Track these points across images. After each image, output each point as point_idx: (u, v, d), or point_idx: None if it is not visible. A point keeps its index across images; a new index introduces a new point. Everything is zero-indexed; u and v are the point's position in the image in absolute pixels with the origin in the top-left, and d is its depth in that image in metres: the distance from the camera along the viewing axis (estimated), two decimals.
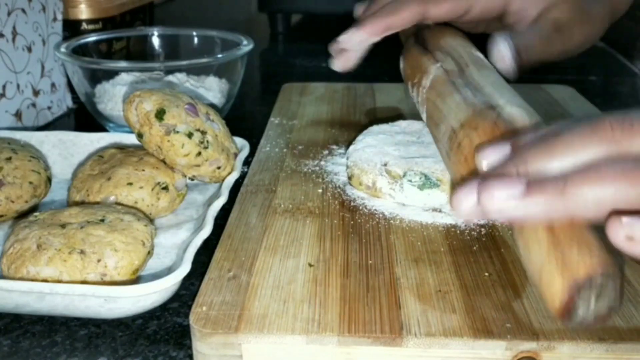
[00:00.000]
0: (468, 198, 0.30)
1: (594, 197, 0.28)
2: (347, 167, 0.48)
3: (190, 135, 0.45)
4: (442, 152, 0.40)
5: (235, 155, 0.50)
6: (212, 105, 0.62)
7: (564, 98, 0.67)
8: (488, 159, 0.32)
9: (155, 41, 0.74)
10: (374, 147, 0.48)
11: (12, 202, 0.44)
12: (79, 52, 0.65)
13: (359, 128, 0.59)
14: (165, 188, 0.45)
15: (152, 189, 0.45)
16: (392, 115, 0.62)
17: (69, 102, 0.70)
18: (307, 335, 0.31)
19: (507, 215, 0.29)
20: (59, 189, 0.50)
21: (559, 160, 0.29)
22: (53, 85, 0.67)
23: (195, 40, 0.73)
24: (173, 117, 0.45)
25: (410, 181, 0.44)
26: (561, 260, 0.28)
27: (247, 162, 0.51)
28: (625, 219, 0.27)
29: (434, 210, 0.43)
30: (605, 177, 0.28)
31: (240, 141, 0.53)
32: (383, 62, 0.69)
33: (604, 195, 0.28)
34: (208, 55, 0.62)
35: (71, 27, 0.71)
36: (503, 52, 0.48)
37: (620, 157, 0.29)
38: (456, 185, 0.31)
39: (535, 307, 0.33)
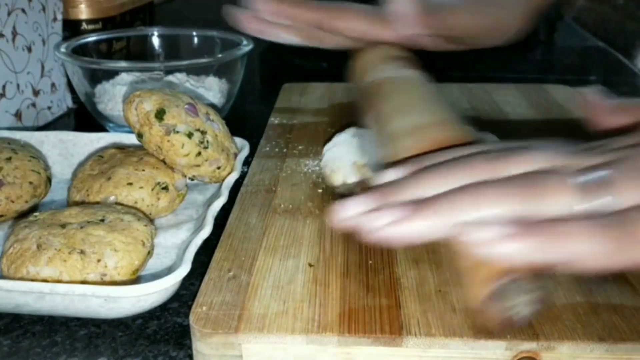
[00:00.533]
0: (345, 214, 0.32)
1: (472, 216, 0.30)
2: (320, 169, 0.48)
3: (190, 135, 0.45)
4: None
5: (235, 155, 0.50)
6: (212, 105, 0.62)
7: (564, 98, 0.67)
8: (382, 179, 0.34)
9: (155, 41, 0.74)
10: (344, 146, 0.48)
11: (12, 202, 0.44)
12: (79, 52, 0.65)
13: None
14: (165, 188, 0.45)
15: (152, 189, 0.45)
16: None
17: (69, 102, 0.70)
18: (307, 335, 0.31)
19: (387, 240, 0.31)
20: (59, 189, 0.50)
21: (434, 189, 0.31)
22: (53, 85, 0.67)
23: (195, 40, 0.73)
24: (173, 117, 0.45)
25: None
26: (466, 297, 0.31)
27: (247, 162, 0.51)
28: (471, 227, 0.29)
29: None
30: (473, 201, 0.30)
31: (240, 141, 0.53)
32: None
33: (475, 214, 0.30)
34: (208, 55, 0.62)
35: (71, 27, 0.71)
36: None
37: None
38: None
39: None
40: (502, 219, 0.29)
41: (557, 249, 0.28)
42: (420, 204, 0.31)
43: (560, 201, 0.29)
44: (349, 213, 0.32)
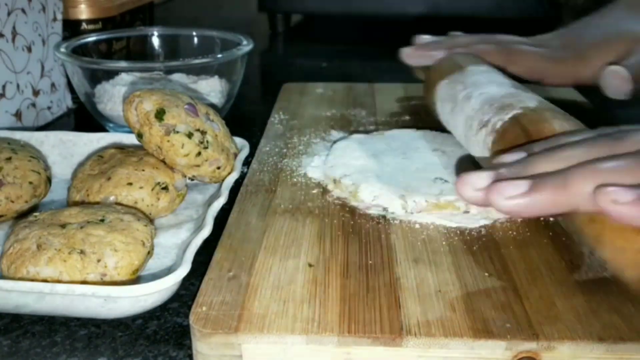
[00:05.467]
0: (472, 186, 0.34)
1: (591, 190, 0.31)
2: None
3: (190, 135, 0.45)
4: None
5: (235, 155, 0.50)
6: (212, 105, 0.62)
7: (564, 98, 0.67)
8: (504, 160, 0.37)
9: (155, 41, 0.74)
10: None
11: (12, 202, 0.44)
12: (79, 52, 0.65)
13: (359, 128, 0.59)
14: (165, 188, 0.45)
15: (152, 189, 0.45)
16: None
17: (69, 102, 0.70)
18: (307, 335, 0.31)
19: (515, 210, 0.33)
20: (59, 189, 0.50)
21: (560, 164, 0.34)
22: (53, 85, 0.67)
23: (195, 40, 0.73)
24: (173, 117, 0.45)
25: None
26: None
27: (247, 162, 0.51)
28: (610, 188, 0.31)
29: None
30: (600, 172, 0.32)
31: (240, 141, 0.53)
32: (383, 62, 0.69)
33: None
34: (208, 55, 0.62)
35: (71, 27, 0.71)
36: (620, 74, 0.53)
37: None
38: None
39: (535, 307, 0.33)
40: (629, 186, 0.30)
41: None
42: (545, 176, 0.33)
43: None
44: (478, 184, 0.34)
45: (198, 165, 0.46)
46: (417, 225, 0.41)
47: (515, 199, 0.32)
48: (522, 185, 0.33)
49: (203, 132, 0.46)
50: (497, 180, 0.34)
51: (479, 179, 0.34)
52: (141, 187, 0.44)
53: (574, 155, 0.34)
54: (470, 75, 0.51)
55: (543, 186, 0.32)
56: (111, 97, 0.61)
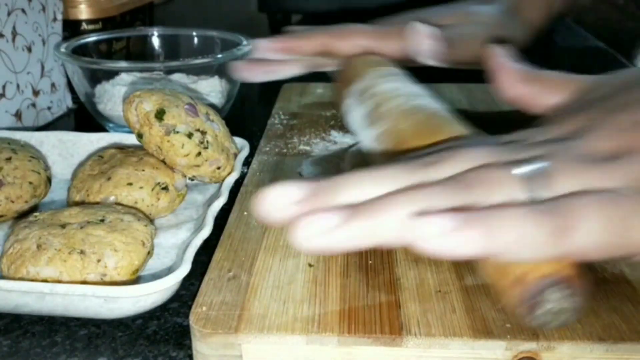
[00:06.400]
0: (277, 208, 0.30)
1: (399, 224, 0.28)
2: None
3: (190, 135, 0.45)
4: None
5: (235, 155, 0.50)
6: (212, 105, 0.62)
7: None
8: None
9: (155, 41, 0.74)
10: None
11: (12, 202, 0.44)
12: (79, 52, 0.65)
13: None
14: (165, 188, 0.45)
15: (152, 189, 0.45)
16: None
17: (69, 102, 0.70)
18: (307, 335, 0.31)
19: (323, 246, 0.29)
20: (59, 189, 0.50)
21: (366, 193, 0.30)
22: (53, 85, 0.67)
23: (195, 40, 0.73)
24: (173, 117, 0.45)
25: None
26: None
27: (247, 162, 0.51)
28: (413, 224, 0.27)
29: None
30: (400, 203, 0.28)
31: (240, 141, 0.53)
32: None
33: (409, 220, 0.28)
34: (208, 55, 0.62)
35: (71, 27, 0.71)
36: (421, 32, 0.53)
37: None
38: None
39: None
40: (443, 211, 0.27)
41: (495, 239, 0.27)
42: (355, 208, 0.29)
43: (505, 192, 0.29)
44: (279, 203, 0.30)
45: (198, 165, 0.46)
46: None
47: (317, 237, 0.28)
48: (319, 223, 0.28)
49: (203, 132, 0.46)
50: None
51: (283, 198, 0.30)
52: (141, 187, 0.44)
53: (379, 182, 0.30)
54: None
55: (351, 219, 0.28)
56: (111, 97, 0.61)
